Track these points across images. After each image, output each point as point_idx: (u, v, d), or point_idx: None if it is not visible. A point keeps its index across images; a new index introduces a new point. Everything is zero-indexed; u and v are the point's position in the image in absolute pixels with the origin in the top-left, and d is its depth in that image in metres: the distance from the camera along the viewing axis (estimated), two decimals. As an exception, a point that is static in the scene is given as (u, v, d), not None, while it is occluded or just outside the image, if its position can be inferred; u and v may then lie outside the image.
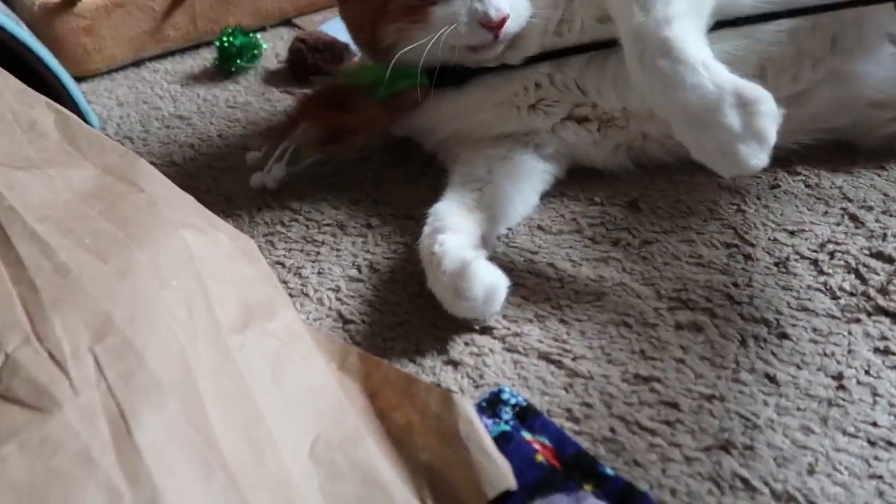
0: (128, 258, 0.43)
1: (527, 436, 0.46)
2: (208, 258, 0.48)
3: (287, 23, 1.17)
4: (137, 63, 1.08)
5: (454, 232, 0.58)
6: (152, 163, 0.79)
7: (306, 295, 0.61)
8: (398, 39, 0.65)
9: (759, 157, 0.48)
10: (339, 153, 0.75)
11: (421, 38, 0.62)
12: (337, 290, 0.62)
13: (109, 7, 1.03)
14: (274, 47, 1.08)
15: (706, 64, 0.50)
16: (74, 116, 0.60)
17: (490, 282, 0.54)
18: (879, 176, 0.68)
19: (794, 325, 0.53)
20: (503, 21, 0.61)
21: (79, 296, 0.39)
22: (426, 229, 0.59)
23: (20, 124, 0.57)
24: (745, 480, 0.44)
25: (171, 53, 1.10)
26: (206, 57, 1.08)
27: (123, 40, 1.06)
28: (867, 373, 0.49)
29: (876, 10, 0.61)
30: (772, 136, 0.48)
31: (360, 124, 0.70)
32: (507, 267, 0.62)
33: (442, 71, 0.66)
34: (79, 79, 1.00)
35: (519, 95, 0.68)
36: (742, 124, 0.48)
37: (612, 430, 0.47)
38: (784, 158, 0.69)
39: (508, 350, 0.54)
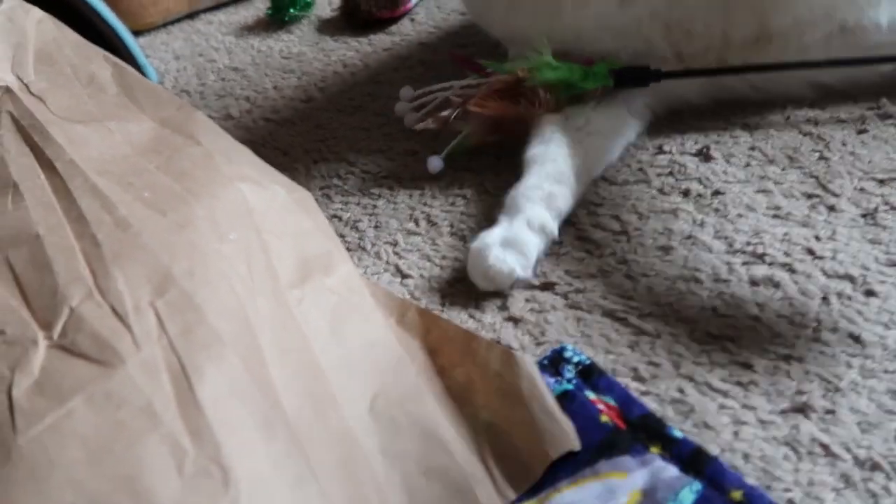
0: (186, 212, 0.43)
1: (591, 395, 0.44)
2: (266, 211, 0.47)
3: (340, -31, 1.14)
4: (192, 15, 1.08)
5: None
6: (209, 116, 0.80)
7: (364, 249, 0.61)
8: None
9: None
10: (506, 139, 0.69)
11: None
12: (395, 243, 0.61)
13: (164, -42, 1.03)
14: (327, -5, 1.06)
15: None
16: (132, 69, 0.60)
17: (493, 271, 0.53)
18: (982, 118, 0.62)
19: (882, 282, 0.50)
20: None
21: (139, 250, 0.39)
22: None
23: (79, 78, 0.57)
24: (825, 446, 0.41)
25: (225, 4, 1.10)
26: (260, 7, 1.07)
27: (178, -8, 1.06)
28: (965, 335, 0.46)
29: None
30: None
31: (534, 115, 0.64)
32: (571, 221, 0.60)
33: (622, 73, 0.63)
34: (136, 32, 1.00)
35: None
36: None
37: (681, 391, 0.45)
38: (872, 100, 0.64)
39: (571, 307, 0.52)
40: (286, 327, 0.41)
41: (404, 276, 0.57)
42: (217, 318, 0.37)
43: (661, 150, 0.65)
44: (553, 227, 0.57)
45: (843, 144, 0.62)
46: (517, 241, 0.54)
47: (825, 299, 0.49)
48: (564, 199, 0.59)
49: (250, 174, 0.50)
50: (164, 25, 1.06)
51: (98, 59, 0.61)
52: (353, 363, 0.43)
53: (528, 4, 0.66)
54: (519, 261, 0.54)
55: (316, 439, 0.36)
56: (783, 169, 0.61)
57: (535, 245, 0.55)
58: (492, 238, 0.55)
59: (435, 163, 0.66)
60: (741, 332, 0.48)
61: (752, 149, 0.63)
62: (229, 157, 0.51)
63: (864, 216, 0.55)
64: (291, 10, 1.00)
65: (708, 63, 0.66)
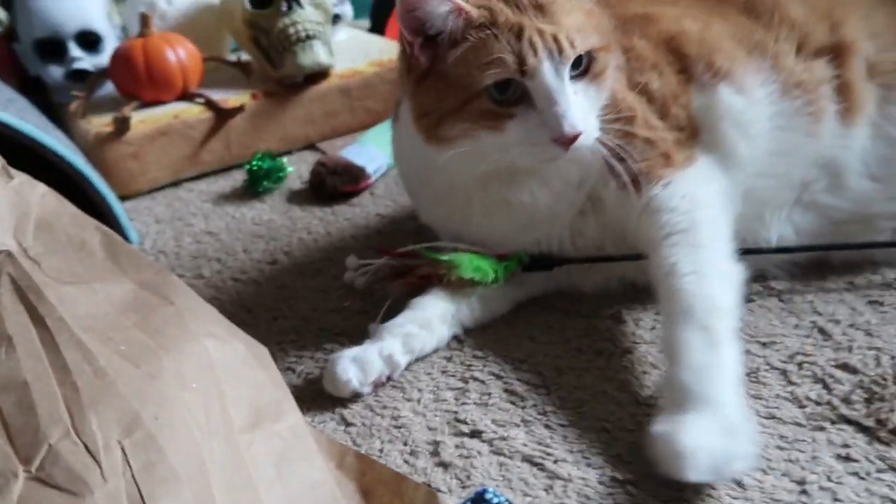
0: (156, 364, 0.50)
1: (507, 533, 0.50)
2: (226, 364, 0.54)
3: (311, 147, 1.29)
4: (176, 183, 1.19)
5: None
6: (182, 275, 0.89)
7: (312, 399, 0.67)
8: (462, 137, 0.64)
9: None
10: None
11: (488, 143, 0.63)
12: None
13: (155, 135, 1.16)
14: (298, 169, 1.19)
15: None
16: (118, 236, 0.69)
17: (335, 379, 0.66)
18: (848, 291, 0.73)
19: (762, 433, 0.57)
20: (576, 137, 0.61)
21: (113, 396, 0.45)
22: None
23: (72, 244, 0.65)
24: (710, 580, 0.47)
25: (206, 175, 1.22)
26: (237, 178, 1.19)
27: (165, 164, 1.18)
28: (829, 479, 0.53)
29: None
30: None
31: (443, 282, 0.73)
32: (498, 375, 0.67)
33: (531, 263, 0.73)
34: (123, 198, 1.10)
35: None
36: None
37: (588, 530, 0.51)
38: (760, 275, 0.75)
39: (495, 453, 0.59)
40: (236, 467, 0.47)
41: (348, 423, 0.64)
42: (176, 457, 0.43)
43: (579, 315, 0.74)
44: (401, 360, 0.68)
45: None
46: (364, 361, 0.66)
47: (714, 447, 0.56)
48: (422, 341, 0.69)
49: (214, 331, 0.58)
50: (150, 192, 1.17)
51: (90, 228, 0.69)
52: (295, 502, 0.48)
53: (445, 207, 0.76)
54: (358, 376, 0.65)
55: (254, 568, 0.40)
56: (683, 332, 0.70)
57: (377, 369, 0.66)
58: (347, 353, 0.67)
59: (374, 329, 0.72)
60: (641, 477, 0.55)
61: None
62: (197, 315, 0.59)
63: (749, 374, 0.64)
64: (265, 182, 1.13)
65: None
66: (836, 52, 0.72)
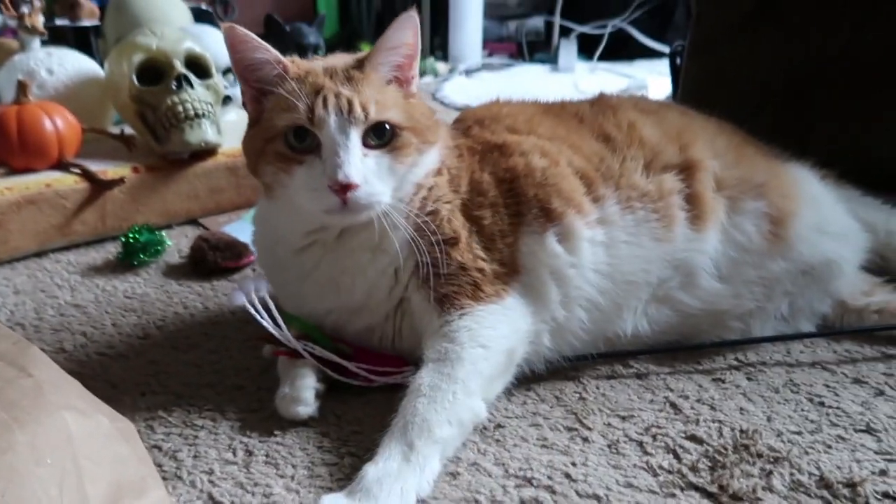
0: (9, 438, 0.47)
1: None
2: (86, 438, 0.52)
3: (193, 222, 1.27)
4: (41, 253, 1.13)
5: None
6: (41, 349, 0.83)
7: (179, 478, 0.64)
8: (273, 182, 0.72)
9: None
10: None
11: (286, 188, 0.71)
12: (210, 472, 0.65)
13: (21, 203, 1.10)
14: (177, 243, 1.17)
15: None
16: (-28, 305, 0.65)
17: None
18: (695, 370, 0.80)
19: (620, 500, 0.61)
20: (348, 187, 0.67)
21: (-45, 471, 0.42)
22: None
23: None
24: None
25: (77, 246, 1.16)
26: (111, 250, 1.15)
27: (30, 233, 1.12)
28: (679, 541, 0.57)
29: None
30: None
31: None
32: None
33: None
34: (-22, 267, 1.03)
35: None
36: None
37: None
38: (621, 354, 0.82)
39: (369, 528, 0.58)
40: (90, 548, 0.44)
41: (216, 502, 0.61)
42: (23, 535, 0.40)
43: (455, 390, 0.76)
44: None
45: (597, 387, 0.77)
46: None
47: (577, 516, 0.60)
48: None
49: (76, 404, 0.55)
50: (10, 262, 1.10)
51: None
52: (153, 584, 0.45)
53: (286, 293, 0.79)
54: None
55: None
56: (551, 407, 0.74)
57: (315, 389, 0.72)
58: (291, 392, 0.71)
59: (237, 297, 0.73)
60: (510, 547, 0.56)
61: (528, 390, 0.76)
62: (58, 387, 0.56)
63: (609, 446, 0.68)
64: (141, 255, 1.09)
65: None
66: (686, 168, 0.82)
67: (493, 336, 0.72)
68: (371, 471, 0.60)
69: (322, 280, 0.76)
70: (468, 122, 0.85)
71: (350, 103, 0.69)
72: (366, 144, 0.70)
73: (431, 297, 0.73)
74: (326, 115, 0.68)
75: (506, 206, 0.77)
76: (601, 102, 0.90)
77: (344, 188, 0.67)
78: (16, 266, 1.10)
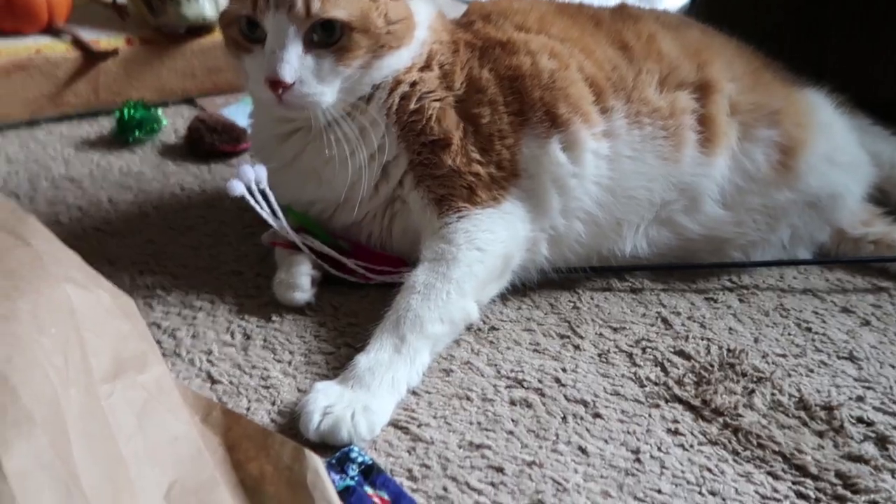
0: (10, 306, 0.47)
1: (369, 490, 0.52)
2: (88, 312, 0.52)
3: (189, 101, 1.23)
4: (32, 123, 1.10)
5: None
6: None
7: (178, 355, 0.65)
8: (233, 61, 0.74)
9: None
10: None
11: (239, 71, 0.73)
12: (209, 352, 0.66)
13: (10, 69, 1.06)
14: (174, 123, 1.13)
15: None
16: (-34, 170, 0.63)
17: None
18: (689, 289, 0.81)
19: (606, 407, 0.63)
20: (280, 84, 0.67)
21: (-41, 335, 0.42)
22: None
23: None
24: (551, 535, 0.51)
25: (70, 118, 1.13)
26: (105, 125, 1.12)
27: (20, 101, 1.08)
28: (659, 449, 0.59)
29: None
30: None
31: None
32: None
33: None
34: (-33, 132, 1.00)
35: None
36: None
37: (445, 489, 0.54)
38: (618, 268, 0.82)
39: (363, 416, 0.60)
40: (94, 416, 0.45)
41: (214, 381, 0.63)
42: (30, 400, 0.41)
43: (452, 291, 0.77)
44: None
45: (591, 298, 0.78)
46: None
47: (564, 419, 0.62)
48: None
49: (77, 277, 0.55)
50: (0, 129, 1.07)
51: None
52: (155, 453, 0.47)
53: (272, 181, 0.75)
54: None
55: (111, 515, 0.40)
56: (545, 313, 0.75)
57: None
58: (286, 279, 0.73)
59: (235, 186, 0.73)
60: (498, 443, 0.59)
61: (523, 296, 0.77)
62: (58, 259, 0.56)
63: (599, 355, 0.70)
64: (137, 133, 1.06)
65: None
66: (702, 88, 0.79)
67: (490, 240, 0.71)
68: (363, 360, 0.61)
69: (304, 169, 0.75)
70: (472, 17, 0.82)
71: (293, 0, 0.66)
72: (308, 42, 0.67)
73: (427, 197, 0.73)
74: (267, 8, 0.67)
75: (506, 105, 0.75)
76: (622, 11, 0.86)
77: (275, 85, 0.67)
78: (7, 134, 1.07)
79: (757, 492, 0.56)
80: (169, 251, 0.81)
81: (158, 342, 0.66)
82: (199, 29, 1.22)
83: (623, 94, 0.78)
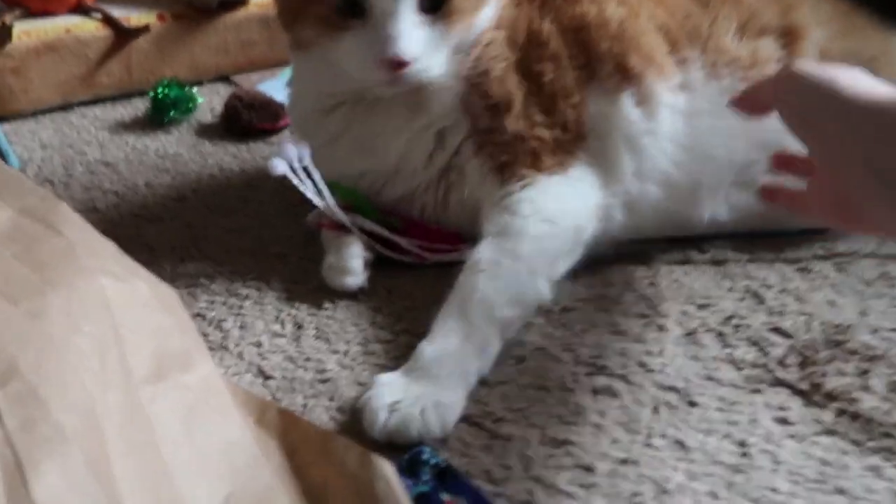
0: (40, 302, 0.41)
1: (445, 497, 0.46)
2: (125, 306, 0.47)
3: (224, 79, 1.18)
4: (66, 107, 1.06)
5: None
6: (72, 208, 0.78)
7: (226, 349, 0.60)
8: (311, 44, 0.65)
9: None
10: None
11: (329, 54, 0.64)
12: (259, 344, 0.61)
13: (41, 50, 1.02)
14: (209, 102, 1.08)
15: None
16: (-7, 155, 0.59)
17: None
18: (778, 258, 0.73)
19: (701, 394, 0.56)
20: (403, 64, 0.60)
21: (-18, 338, 0.37)
22: None
23: (-67, 160, 0.55)
24: (655, 545, 0.45)
25: (103, 100, 1.09)
26: (139, 106, 1.07)
27: (52, 83, 1.04)
28: (768, 441, 0.52)
29: None
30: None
31: None
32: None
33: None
34: (1, 118, 0.97)
35: None
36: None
37: (530, 493, 0.48)
38: (693, 238, 0.74)
39: (430, 411, 0.54)
40: (136, 425, 0.40)
41: (267, 377, 0.57)
42: (62, 412, 0.35)
43: (517, 268, 0.70)
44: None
45: (670, 273, 0.71)
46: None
47: (655, 409, 0.55)
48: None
49: (113, 268, 0.50)
50: (34, 114, 1.03)
51: (-43, 143, 0.59)
52: (206, 463, 0.42)
53: (317, 156, 0.70)
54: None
55: (159, 542, 0.34)
56: (621, 291, 0.68)
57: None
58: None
59: (277, 165, 0.68)
60: (584, 438, 0.52)
61: (594, 273, 0.70)
62: (92, 249, 0.51)
63: (686, 335, 0.62)
64: (172, 113, 1.01)
65: None
66: (787, 35, 0.71)
67: (559, 210, 0.64)
68: (428, 350, 0.55)
69: (353, 141, 0.69)
70: None
71: None
72: (419, 10, 0.61)
73: (488, 165, 0.66)
74: None
75: (570, 58, 0.67)
76: None
77: (394, 65, 0.60)
78: (40, 119, 1.03)
79: (890, 489, 0.48)
80: (210, 235, 0.76)
81: (204, 335, 0.61)
82: (233, 2, 1.16)
83: (698, 44, 0.69)
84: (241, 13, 1.18)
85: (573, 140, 0.67)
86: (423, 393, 0.52)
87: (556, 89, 0.67)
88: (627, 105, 0.67)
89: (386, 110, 0.67)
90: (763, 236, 0.75)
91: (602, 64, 0.67)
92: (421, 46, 0.61)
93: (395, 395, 0.52)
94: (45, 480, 0.32)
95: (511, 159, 0.66)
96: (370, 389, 0.53)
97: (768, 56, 0.70)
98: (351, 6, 0.61)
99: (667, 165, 0.69)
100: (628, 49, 0.67)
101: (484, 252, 0.61)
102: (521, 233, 0.62)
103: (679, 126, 0.69)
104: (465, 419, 0.53)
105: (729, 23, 0.70)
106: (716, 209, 0.72)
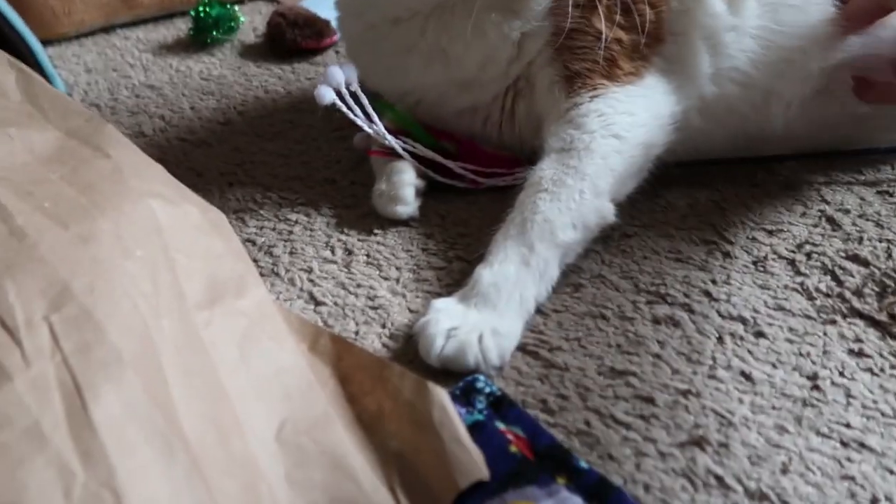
0: (90, 225, 0.41)
1: (500, 426, 0.45)
2: (176, 230, 0.46)
3: (267, -3, 1.14)
4: (108, 29, 1.04)
5: None
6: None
7: (277, 274, 0.59)
8: None
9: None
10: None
11: None
12: (309, 270, 0.60)
13: (80, -30, 0.99)
14: (252, 21, 1.05)
15: None
16: (38, 76, 0.58)
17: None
18: (856, 181, 0.68)
19: (770, 325, 0.53)
20: None
21: (35, 262, 0.36)
22: None
23: (-22, 81, 0.54)
24: (718, 478, 0.43)
25: (144, 21, 1.07)
26: (181, 27, 1.05)
27: (94, 5, 1.02)
28: (841, 374, 0.49)
29: None
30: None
31: None
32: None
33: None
34: (45, 42, 0.95)
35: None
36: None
37: (587, 423, 0.47)
38: (764, 159, 0.69)
39: (484, 339, 0.53)
40: (192, 349, 0.40)
41: (318, 302, 0.57)
42: (118, 336, 0.35)
43: (573, 192, 0.67)
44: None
45: (737, 196, 0.66)
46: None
47: (720, 339, 0.52)
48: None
49: (162, 191, 0.49)
50: (77, 37, 1.02)
51: (2, 65, 0.58)
52: (262, 388, 0.41)
53: (380, 70, 0.68)
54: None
55: (218, 465, 0.34)
56: (684, 216, 0.64)
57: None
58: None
59: (325, 93, 0.66)
60: (644, 368, 0.50)
61: (656, 196, 0.66)
62: (140, 172, 0.50)
63: (754, 263, 0.59)
64: (214, 33, 0.99)
65: None
66: None
67: (630, 124, 0.60)
68: (486, 274, 0.53)
69: (428, 50, 0.64)
70: None
71: None
72: None
73: (560, 73, 0.62)
74: None
75: None
76: None
77: None
78: (84, 42, 1.01)
79: (973, 427, 0.45)
80: (257, 160, 0.75)
81: (255, 261, 0.60)
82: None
83: None
84: (281, -74, 1.12)
85: (651, 43, 0.62)
86: (481, 320, 0.51)
87: None
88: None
89: (469, 17, 0.62)
90: (840, 156, 0.70)
91: None
92: None
93: (452, 321, 0.50)
94: (104, 403, 0.32)
95: (586, 67, 0.61)
96: (426, 315, 0.52)
97: None
98: None
99: (746, 65, 0.63)
100: None
101: (546, 170, 0.58)
102: (588, 149, 0.59)
103: (765, 20, 0.63)
104: (521, 348, 0.52)
105: None
106: (791, 119, 0.67)
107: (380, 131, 0.65)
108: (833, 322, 0.53)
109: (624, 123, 0.60)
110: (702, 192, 0.67)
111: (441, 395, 0.43)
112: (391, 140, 0.65)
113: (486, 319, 0.51)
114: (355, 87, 0.66)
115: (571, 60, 0.61)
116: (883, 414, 0.46)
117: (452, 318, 0.51)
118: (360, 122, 0.65)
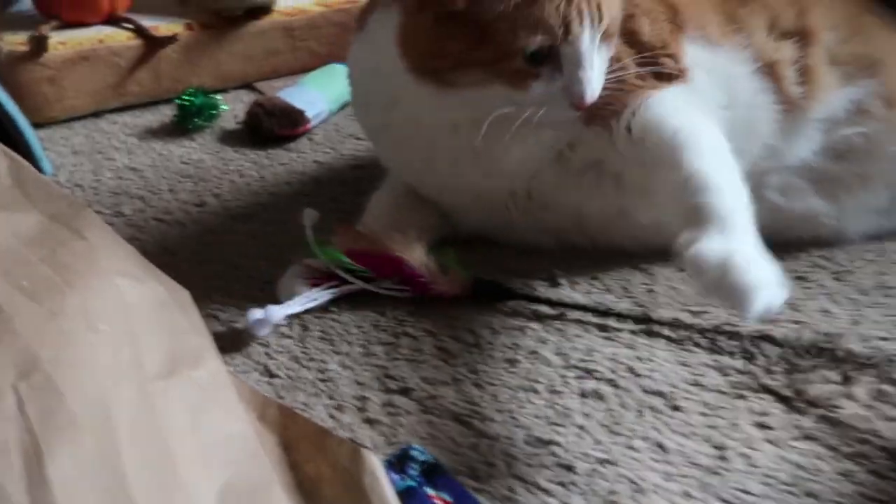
0: (60, 301, 0.46)
1: (430, 492, 0.49)
2: (142, 306, 0.51)
3: (248, 86, 1.23)
4: (97, 114, 1.11)
5: None
6: (100, 212, 0.83)
7: (236, 349, 0.64)
8: (474, 86, 0.63)
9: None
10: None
11: (502, 97, 0.63)
12: (266, 345, 0.64)
13: (75, 60, 1.07)
14: (233, 108, 1.13)
15: None
16: (27, 164, 0.63)
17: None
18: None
19: (686, 399, 0.58)
20: (589, 104, 0.63)
21: (9, 334, 0.41)
22: None
23: (-28, 169, 0.60)
24: (628, 541, 0.47)
25: (132, 107, 1.14)
26: (166, 113, 1.12)
27: (85, 92, 1.09)
28: (746, 445, 0.54)
29: None
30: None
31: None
32: (431, 331, 0.66)
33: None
34: (36, 125, 1.02)
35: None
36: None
37: (511, 490, 0.51)
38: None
39: (424, 411, 0.57)
40: (145, 416, 0.44)
41: (272, 375, 0.61)
42: (76, 403, 0.39)
43: (516, 274, 0.73)
44: None
45: (667, 280, 0.73)
46: None
47: (640, 412, 0.57)
48: None
49: (131, 270, 0.54)
50: (67, 121, 1.09)
51: (-5, 153, 0.63)
52: (208, 454, 0.45)
53: (406, 148, 0.73)
54: None
55: (160, 522, 0.38)
56: (618, 298, 0.70)
57: None
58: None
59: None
60: (567, 438, 0.55)
61: (594, 278, 0.72)
62: (112, 252, 0.55)
63: (677, 342, 0.64)
64: (196, 120, 1.06)
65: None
66: (802, 37, 0.72)
67: (688, 111, 0.66)
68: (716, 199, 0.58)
69: (461, 149, 0.69)
70: None
71: (599, 8, 0.60)
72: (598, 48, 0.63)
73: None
74: (582, 30, 0.60)
75: (662, 12, 0.71)
76: None
77: (588, 107, 0.62)
78: (73, 126, 1.08)
79: (860, 493, 0.50)
80: (228, 240, 0.80)
81: (215, 335, 0.65)
82: (257, 10, 1.21)
83: (744, 39, 0.71)
84: (265, 21, 1.22)
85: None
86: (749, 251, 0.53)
87: (654, 42, 0.69)
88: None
89: (520, 128, 0.64)
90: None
91: (686, 21, 0.70)
92: (600, 78, 0.63)
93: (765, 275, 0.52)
94: (59, 463, 0.36)
95: (615, 97, 0.66)
96: (695, 245, 0.53)
97: (790, 58, 0.72)
98: (537, 57, 0.61)
99: None
100: (704, 23, 0.71)
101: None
102: (693, 130, 0.64)
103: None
104: (456, 418, 0.56)
105: (763, 21, 0.73)
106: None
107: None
108: (743, 397, 0.58)
109: (682, 110, 0.66)
110: (635, 275, 0.73)
111: (373, 461, 0.47)
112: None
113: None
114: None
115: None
116: (780, 482, 0.51)
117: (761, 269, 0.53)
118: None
